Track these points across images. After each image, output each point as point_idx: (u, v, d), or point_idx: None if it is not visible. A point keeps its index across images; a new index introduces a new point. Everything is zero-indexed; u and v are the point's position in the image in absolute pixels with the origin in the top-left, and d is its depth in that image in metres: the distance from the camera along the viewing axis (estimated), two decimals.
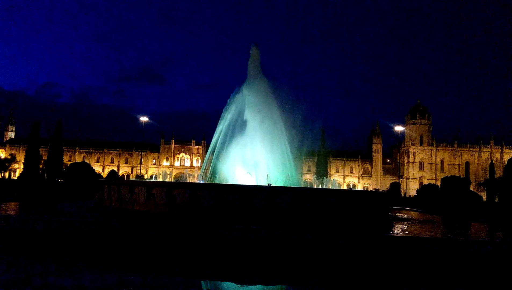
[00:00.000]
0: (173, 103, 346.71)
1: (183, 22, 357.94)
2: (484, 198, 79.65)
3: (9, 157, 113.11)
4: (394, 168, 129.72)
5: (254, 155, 33.75)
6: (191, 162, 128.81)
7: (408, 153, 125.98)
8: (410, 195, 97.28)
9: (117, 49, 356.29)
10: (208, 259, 17.00)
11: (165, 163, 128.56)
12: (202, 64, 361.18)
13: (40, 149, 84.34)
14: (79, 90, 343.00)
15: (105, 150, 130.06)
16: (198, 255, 17.15)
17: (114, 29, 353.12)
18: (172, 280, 14.77)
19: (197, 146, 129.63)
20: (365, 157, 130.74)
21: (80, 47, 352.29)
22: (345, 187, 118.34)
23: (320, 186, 41.97)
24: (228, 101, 36.13)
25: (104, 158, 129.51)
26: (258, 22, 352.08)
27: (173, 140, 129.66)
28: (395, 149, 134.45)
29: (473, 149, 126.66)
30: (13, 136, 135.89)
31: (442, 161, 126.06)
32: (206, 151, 46.53)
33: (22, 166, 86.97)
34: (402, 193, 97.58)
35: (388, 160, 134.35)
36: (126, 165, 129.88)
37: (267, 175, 31.12)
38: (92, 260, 16.65)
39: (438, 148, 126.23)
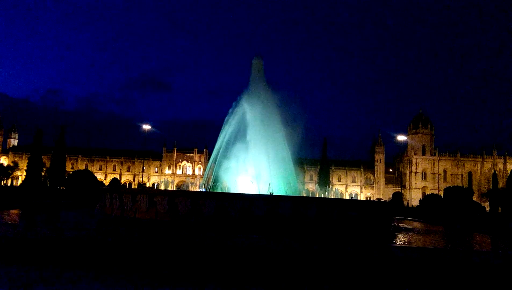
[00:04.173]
0: (176, 111, 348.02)
1: (188, 30, 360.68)
2: (487, 208, 79.22)
3: (11, 164, 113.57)
4: (396, 177, 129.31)
5: (256, 164, 33.81)
6: (193, 171, 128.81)
7: (410, 162, 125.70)
8: (413, 205, 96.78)
9: (122, 56, 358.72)
10: (209, 268, 16.92)
11: (167, 171, 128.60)
12: (206, 72, 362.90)
13: (42, 157, 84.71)
14: (84, 97, 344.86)
15: (108, 158, 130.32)
16: (199, 264, 17.08)
17: (119, 36, 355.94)
18: None
19: (199, 154, 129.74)
20: (368, 166, 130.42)
21: (85, 54, 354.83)
22: (347, 197, 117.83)
23: (322, 196, 41.87)
24: (230, 110, 36.36)
25: (106, 166, 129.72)
26: (262, 31, 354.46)
27: (175, 148, 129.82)
28: (397, 159, 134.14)
29: (476, 159, 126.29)
30: (16, 143, 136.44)
31: (444, 171, 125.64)
32: (208, 160, 46.57)
33: (24, 173, 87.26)
34: (404, 203, 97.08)
35: (391, 170, 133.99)
36: (128, 173, 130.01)
37: (269, 184, 31.14)
38: (93, 270, 16.60)
39: (440, 158, 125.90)
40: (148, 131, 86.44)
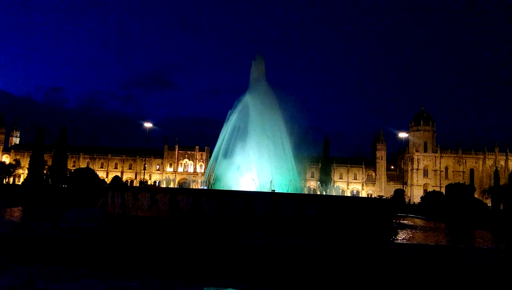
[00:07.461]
0: (178, 109, 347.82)
1: (190, 28, 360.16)
2: (489, 205, 79.14)
3: (13, 162, 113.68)
4: (398, 175, 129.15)
5: (257, 161, 33.78)
6: (195, 168, 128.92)
7: (412, 160, 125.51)
8: (414, 202, 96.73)
9: (124, 54, 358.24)
10: (211, 265, 16.95)
11: (168, 169, 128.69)
12: (208, 70, 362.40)
13: (44, 155, 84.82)
14: (87, 96, 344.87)
15: (109, 155, 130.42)
16: (201, 261, 17.10)
17: (122, 34, 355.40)
18: (176, 287, 14.73)
19: (200, 152, 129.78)
20: (369, 163, 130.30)
21: (87, 52, 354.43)
22: (348, 194, 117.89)
23: (324, 193, 41.88)
24: (232, 108, 36.31)
25: (108, 164, 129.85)
26: (263, 30, 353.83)
27: (176, 146, 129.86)
28: (399, 156, 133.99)
29: (478, 156, 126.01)
30: (18, 142, 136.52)
31: (446, 168, 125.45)
32: (210, 157, 46.56)
33: (26, 171, 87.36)
34: (406, 200, 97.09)
35: (392, 167, 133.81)
36: (130, 171, 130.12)
37: (271, 181, 31.14)
38: (96, 267, 16.64)
39: (442, 155, 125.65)
40: (150, 129, 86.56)
